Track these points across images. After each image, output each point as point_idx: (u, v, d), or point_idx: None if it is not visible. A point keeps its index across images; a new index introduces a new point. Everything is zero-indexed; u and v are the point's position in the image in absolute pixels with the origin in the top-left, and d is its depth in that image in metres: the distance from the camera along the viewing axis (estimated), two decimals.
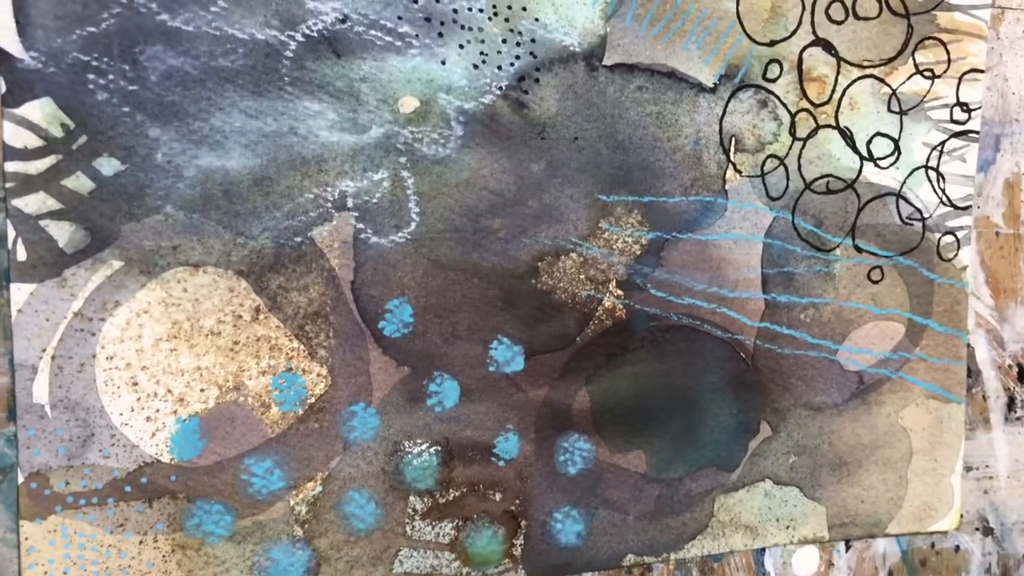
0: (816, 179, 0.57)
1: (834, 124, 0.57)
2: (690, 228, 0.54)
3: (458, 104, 0.50)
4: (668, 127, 0.53)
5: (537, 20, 0.50)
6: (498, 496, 0.52)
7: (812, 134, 0.56)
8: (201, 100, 0.45)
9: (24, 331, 0.44)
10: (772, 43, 0.55)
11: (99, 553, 0.45)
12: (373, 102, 0.48)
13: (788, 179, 0.56)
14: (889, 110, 0.58)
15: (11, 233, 0.43)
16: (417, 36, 0.48)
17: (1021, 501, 0.65)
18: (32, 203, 0.43)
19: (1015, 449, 0.65)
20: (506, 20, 0.49)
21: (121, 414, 0.45)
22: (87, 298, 0.44)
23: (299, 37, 0.46)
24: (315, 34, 0.47)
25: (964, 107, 0.59)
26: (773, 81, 0.55)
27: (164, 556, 0.46)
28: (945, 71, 0.58)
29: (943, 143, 0.59)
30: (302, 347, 0.48)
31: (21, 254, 0.43)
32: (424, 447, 0.51)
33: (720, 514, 0.57)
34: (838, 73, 0.56)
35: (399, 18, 0.48)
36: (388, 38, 0.48)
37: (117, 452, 0.45)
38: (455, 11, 0.49)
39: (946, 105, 0.59)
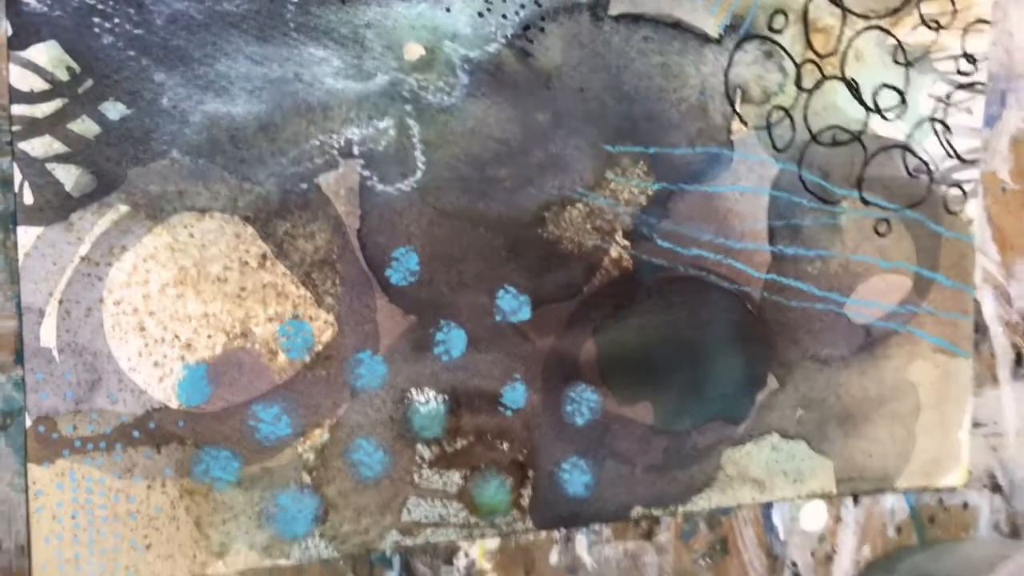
0: (822, 131, 0.57)
1: (840, 75, 0.56)
2: (696, 179, 0.54)
3: (463, 52, 0.49)
4: (674, 78, 0.53)
5: None
6: (505, 446, 0.52)
7: (818, 85, 0.56)
8: (206, 45, 0.45)
9: (31, 275, 0.44)
10: None
11: (107, 497, 0.45)
12: (378, 49, 0.48)
13: (794, 131, 0.56)
14: (895, 61, 0.57)
15: (17, 176, 0.43)
16: None
17: None
18: (38, 146, 0.43)
19: (1023, 406, 0.65)
20: None
21: (128, 359, 0.45)
22: (94, 242, 0.44)
23: None
24: None
25: (970, 58, 0.59)
26: (778, 32, 0.55)
27: (172, 502, 0.46)
28: (951, 22, 0.58)
29: (949, 95, 0.59)
30: (309, 294, 0.48)
31: (28, 197, 0.43)
32: (431, 395, 0.50)
33: (727, 467, 0.57)
34: (844, 24, 0.56)
35: None
36: None
37: (125, 397, 0.45)
38: None
39: (952, 56, 0.58)
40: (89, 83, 0.44)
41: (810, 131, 0.56)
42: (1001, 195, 0.63)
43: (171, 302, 0.46)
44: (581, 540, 0.54)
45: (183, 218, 0.46)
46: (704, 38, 0.54)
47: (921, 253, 0.60)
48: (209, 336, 0.46)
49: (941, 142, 0.59)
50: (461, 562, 0.52)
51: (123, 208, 0.45)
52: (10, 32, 0.42)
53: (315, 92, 0.47)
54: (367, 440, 0.49)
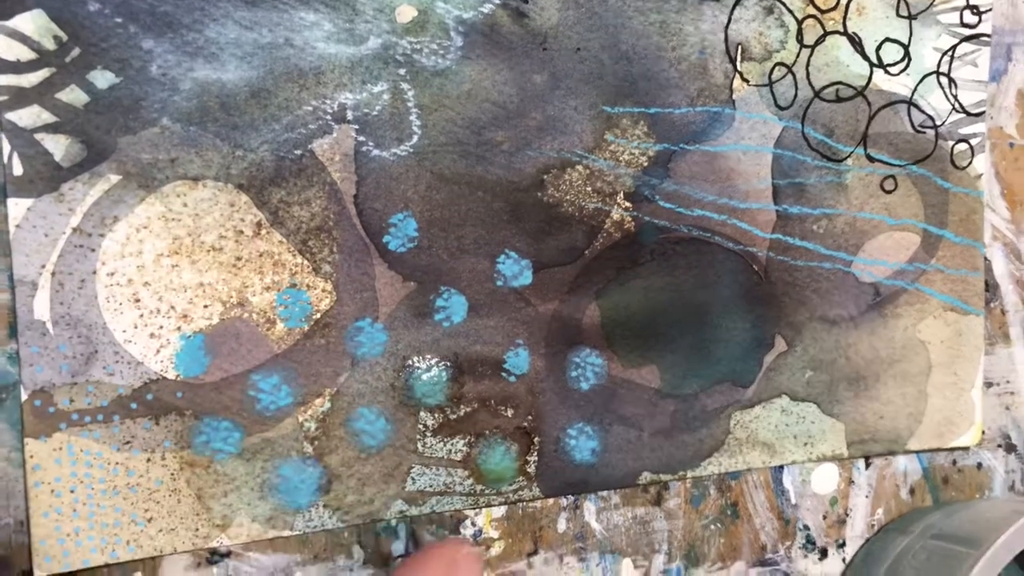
0: (825, 87, 0.56)
1: (842, 30, 0.55)
2: (698, 139, 0.53)
3: (457, 14, 0.49)
4: (672, 36, 0.52)
5: None
6: (510, 412, 0.51)
7: (820, 41, 0.55)
8: (194, 10, 0.45)
9: (23, 247, 0.43)
10: None
11: (106, 471, 0.44)
12: (370, 11, 0.47)
13: (796, 88, 0.55)
14: (898, 15, 0.56)
15: (6, 147, 0.42)
16: None
17: None
18: (26, 116, 0.43)
19: None
20: None
21: (124, 331, 0.44)
22: (85, 213, 0.44)
23: None
24: None
25: (974, 9, 0.58)
26: None
27: (173, 474, 0.45)
28: None
29: (954, 48, 0.58)
30: (306, 262, 0.47)
31: (17, 168, 0.43)
32: (433, 362, 0.50)
33: (737, 431, 0.56)
34: None
35: None
36: None
37: (121, 369, 0.45)
38: None
39: (955, 8, 0.57)
40: (76, 51, 0.43)
41: (813, 88, 0.55)
42: (1009, 151, 0.61)
43: (166, 272, 0.45)
44: (589, 507, 0.54)
45: (176, 187, 0.45)
46: None
47: (929, 209, 0.59)
48: (205, 306, 0.46)
49: (946, 96, 0.58)
50: (468, 531, 0.51)
51: (114, 178, 0.44)
52: None
53: (307, 57, 0.46)
54: (369, 409, 0.49)
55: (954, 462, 0.62)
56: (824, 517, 0.59)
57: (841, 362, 0.58)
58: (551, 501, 0.53)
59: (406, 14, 0.48)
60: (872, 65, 0.56)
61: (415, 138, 0.49)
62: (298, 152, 0.47)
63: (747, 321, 0.55)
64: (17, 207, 0.43)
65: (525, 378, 0.51)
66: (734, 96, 0.54)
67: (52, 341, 0.44)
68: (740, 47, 0.54)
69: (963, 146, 0.59)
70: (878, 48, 0.56)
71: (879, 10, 0.56)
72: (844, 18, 0.55)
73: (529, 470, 0.52)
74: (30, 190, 0.43)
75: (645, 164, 0.53)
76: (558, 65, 0.51)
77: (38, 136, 0.43)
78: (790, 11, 0.54)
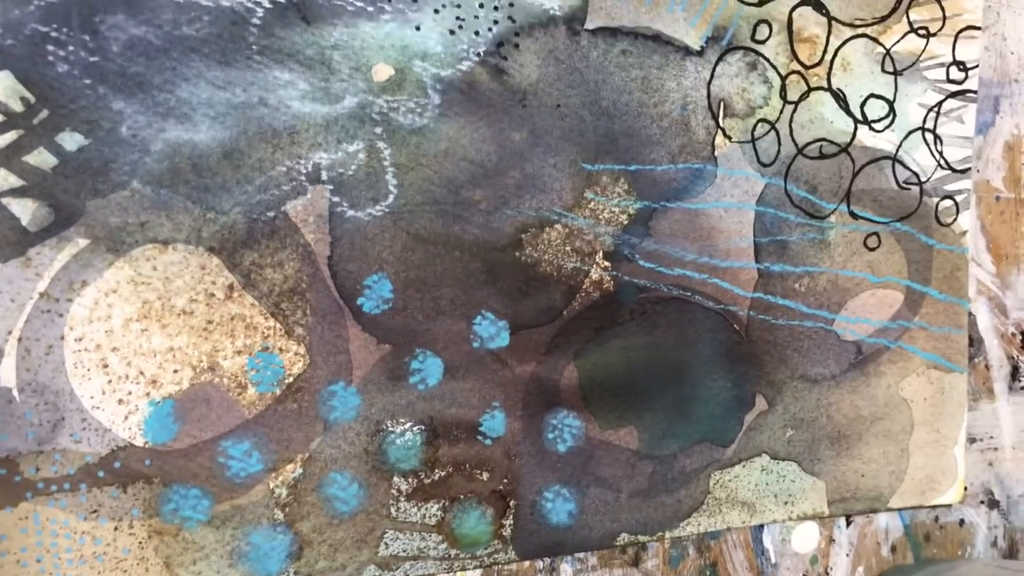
0: (809, 143, 0.55)
1: (826, 86, 0.55)
2: (679, 196, 0.53)
3: (434, 71, 0.48)
4: (654, 92, 0.52)
5: None
6: (485, 475, 0.51)
7: (804, 97, 0.54)
8: (166, 71, 0.44)
9: None
10: (760, 3, 0.53)
11: (73, 540, 0.44)
12: (346, 70, 0.46)
13: (780, 144, 0.54)
14: (883, 70, 0.56)
15: None
16: (390, 1, 0.46)
17: None
18: None
19: (1020, 419, 0.63)
20: None
21: (92, 397, 0.44)
22: (53, 278, 0.43)
23: (266, 3, 0.45)
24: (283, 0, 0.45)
25: (961, 66, 0.57)
26: (762, 43, 0.53)
27: (140, 542, 0.45)
28: (940, 29, 0.56)
29: (940, 104, 0.57)
30: (278, 325, 0.47)
31: None
32: (407, 426, 0.49)
33: (716, 491, 0.55)
34: (829, 33, 0.54)
35: None
36: (359, 3, 0.46)
37: (89, 436, 0.44)
38: None
39: (942, 64, 0.57)
40: (44, 113, 0.42)
41: (796, 144, 0.55)
42: (995, 204, 0.61)
43: (135, 337, 0.44)
44: (566, 569, 0.53)
45: (145, 250, 0.44)
46: (685, 50, 0.52)
47: (912, 267, 0.58)
48: (175, 371, 0.45)
49: (932, 152, 0.58)
50: None
51: (82, 242, 0.43)
52: None
53: (281, 116, 0.46)
54: (341, 474, 0.48)
55: (936, 519, 0.61)
56: None
57: (822, 421, 0.57)
58: (527, 564, 0.52)
59: (382, 72, 0.47)
60: (856, 121, 0.56)
61: (391, 197, 0.48)
62: (271, 214, 0.46)
63: (727, 380, 0.55)
64: None
65: (501, 441, 0.51)
66: (716, 153, 0.53)
67: (18, 408, 0.43)
68: (723, 103, 0.53)
69: (948, 203, 0.58)
70: (863, 104, 0.56)
71: (864, 66, 0.55)
72: (828, 74, 0.55)
73: (504, 533, 0.51)
74: None
75: (625, 222, 0.52)
76: (537, 122, 0.50)
77: (4, 200, 0.42)
78: (774, 67, 0.54)
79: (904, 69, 0.56)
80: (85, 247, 0.43)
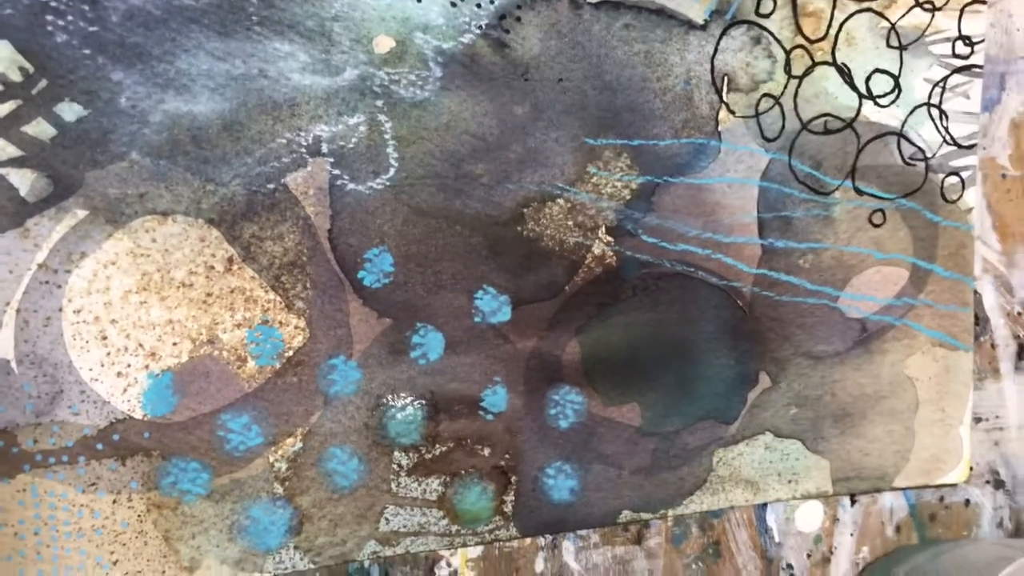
0: (813, 119, 0.54)
1: (831, 61, 0.54)
2: (682, 172, 0.52)
3: (436, 44, 0.47)
4: (657, 67, 0.51)
5: None
6: (487, 451, 0.50)
7: (808, 71, 0.54)
8: (165, 41, 0.44)
9: None
10: None
11: (71, 513, 0.44)
12: (346, 42, 0.46)
13: (784, 119, 0.54)
14: (888, 45, 0.55)
15: None
16: None
17: None
18: None
19: None
20: None
21: (91, 369, 0.44)
22: (52, 249, 0.43)
23: None
24: None
25: (966, 40, 0.57)
26: (766, 16, 0.53)
27: (139, 515, 0.45)
28: (946, 3, 0.56)
29: (945, 79, 0.57)
30: (278, 299, 0.46)
31: None
32: (408, 401, 0.49)
33: (719, 468, 0.55)
34: (834, 7, 0.54)
35: None
36: None
37: (87, 409, 0.44)
38: None
39: (948, 39, 0.56)
40: (43, 83, 0.42)
41: (800, 119, 0.54)
42: (1001, 181, 0.60)
43: (134, 309, 0.44)
44: (568, 546, 0.53)
45: (145, 222, 0.44)
46: (689, 24, 0.51)
47: (918, 243, 0.58)
48: (174, 344, 0.45)
49: (937, 128, 0.57)
50: (443, 571, 0.50)
51: (81, 213, 0.43)
52: None
53: (281, 88, 0.45)
54: (341, 448, 0.48)
55: (941, 499, 0.61)
56: (808, 556, 0.58)
57: (827, 399, 0.57)
58: (528, 541, 0.52)
59: (384, 44, 0.47)
60: (861, 96, 0.55)
61: (392, 171, 0.48)
62: (271, 186, 0.46)
63: (731, 357, 0.54)
64: None
65: (503, 416, 0.50)
66: (720, 128, 0.53)
67: (16, 380, 0.43)
68: (726, 78, 0.53)
69: (954, 179, 0.58)
70: (868, 79, 0.55)
71: (869, 40, 0.55)
72: (833, 48, 0.54)
73: (506, 509, 0.51)
74: None
75: (628, 197, 0.52)
76: (540, 96, 0.50)
77: (3, 171, 0.42)
78: (778, 41, 0.53)
79: (909, 44, 0.56)
80: (84, 218, 0.43)
